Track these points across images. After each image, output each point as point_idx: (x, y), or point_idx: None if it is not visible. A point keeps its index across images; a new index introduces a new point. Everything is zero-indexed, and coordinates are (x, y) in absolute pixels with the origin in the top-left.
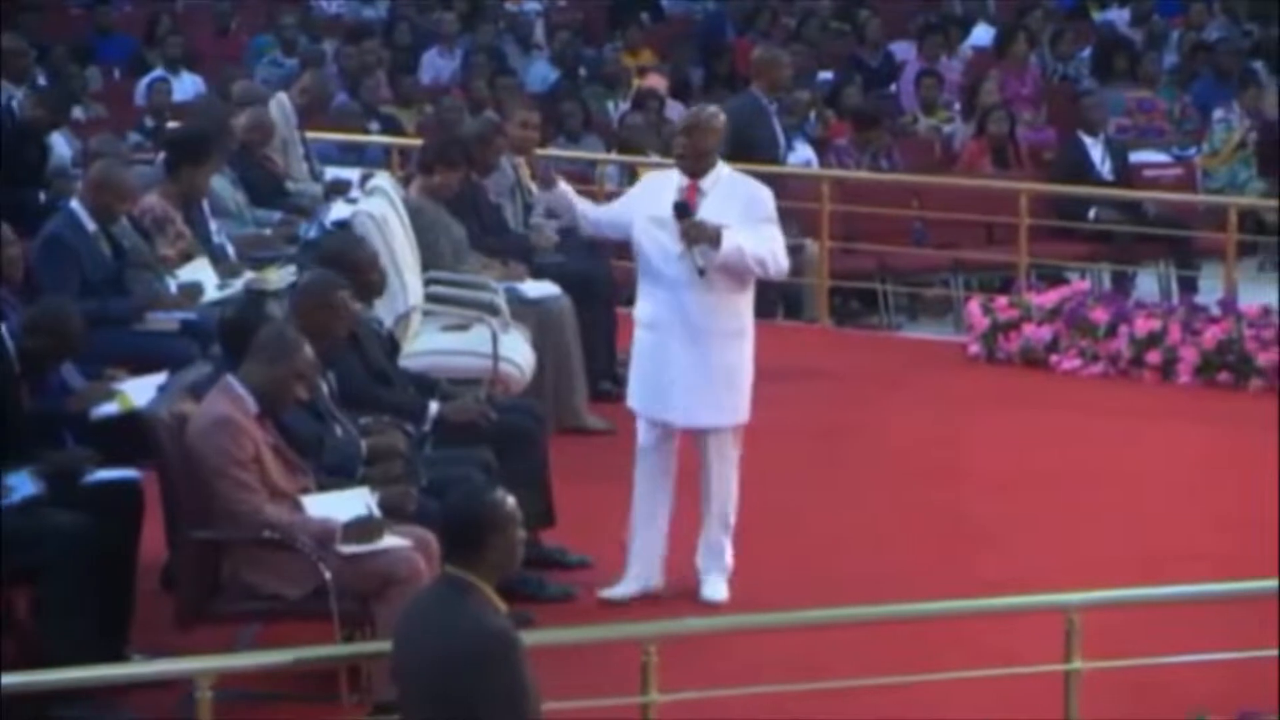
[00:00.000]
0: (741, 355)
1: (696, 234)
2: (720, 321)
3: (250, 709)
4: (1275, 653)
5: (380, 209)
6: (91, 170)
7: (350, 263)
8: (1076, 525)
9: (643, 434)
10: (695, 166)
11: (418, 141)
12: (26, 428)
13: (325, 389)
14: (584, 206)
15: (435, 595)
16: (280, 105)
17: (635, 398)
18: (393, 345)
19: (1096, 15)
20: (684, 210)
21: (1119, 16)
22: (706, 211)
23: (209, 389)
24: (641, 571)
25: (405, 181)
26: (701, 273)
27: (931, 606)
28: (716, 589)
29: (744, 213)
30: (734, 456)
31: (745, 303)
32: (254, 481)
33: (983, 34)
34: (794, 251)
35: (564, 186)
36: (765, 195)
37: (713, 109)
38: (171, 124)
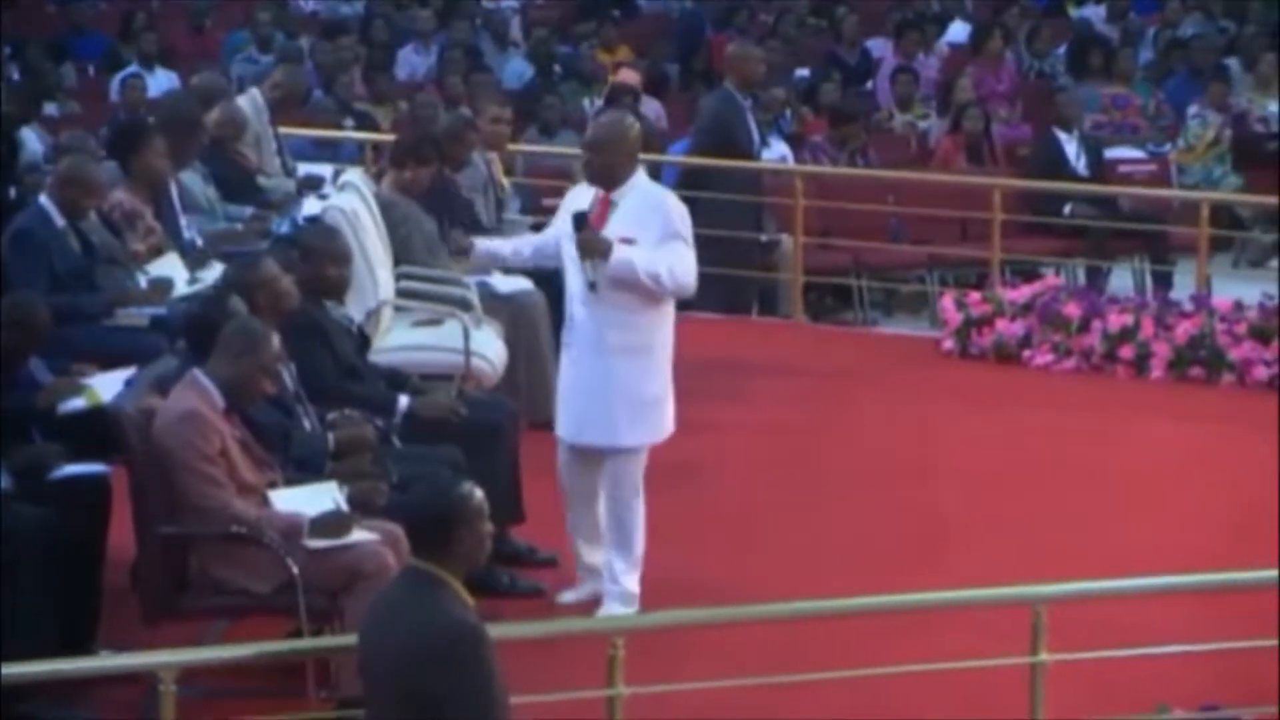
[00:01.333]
0: (644, 374)
1: (588, 247)
2: (620, 338)
3: (216, 705)
4: (1240, 645)
5: (351, 204)
6: (60, 165)
7: (321, 255)
8: (1049, 521)
9: (559, 451)
10: (605, 180)
11: (392, 137)
12: None
13: (288, 382)
14: (510, 249)
15: (403, 589)
16: (253, 100)
17: (557, 421)
18: (363, 340)
19: (1073, 12)
20: (581, 222)
21: (1095, 13)
22: (617, 223)
23: (175, 384)
24: (589, 579)
25: (377, 177)
26: (592, 286)
27: (899, 599)
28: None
29: (653, 227)
30: (637, 480)
31: (651, 319)
32: (221, 476)
33: (959, 31)
34: (770, 247)
35: (481, 247)
36: (674, 210)
37: (625, 122)
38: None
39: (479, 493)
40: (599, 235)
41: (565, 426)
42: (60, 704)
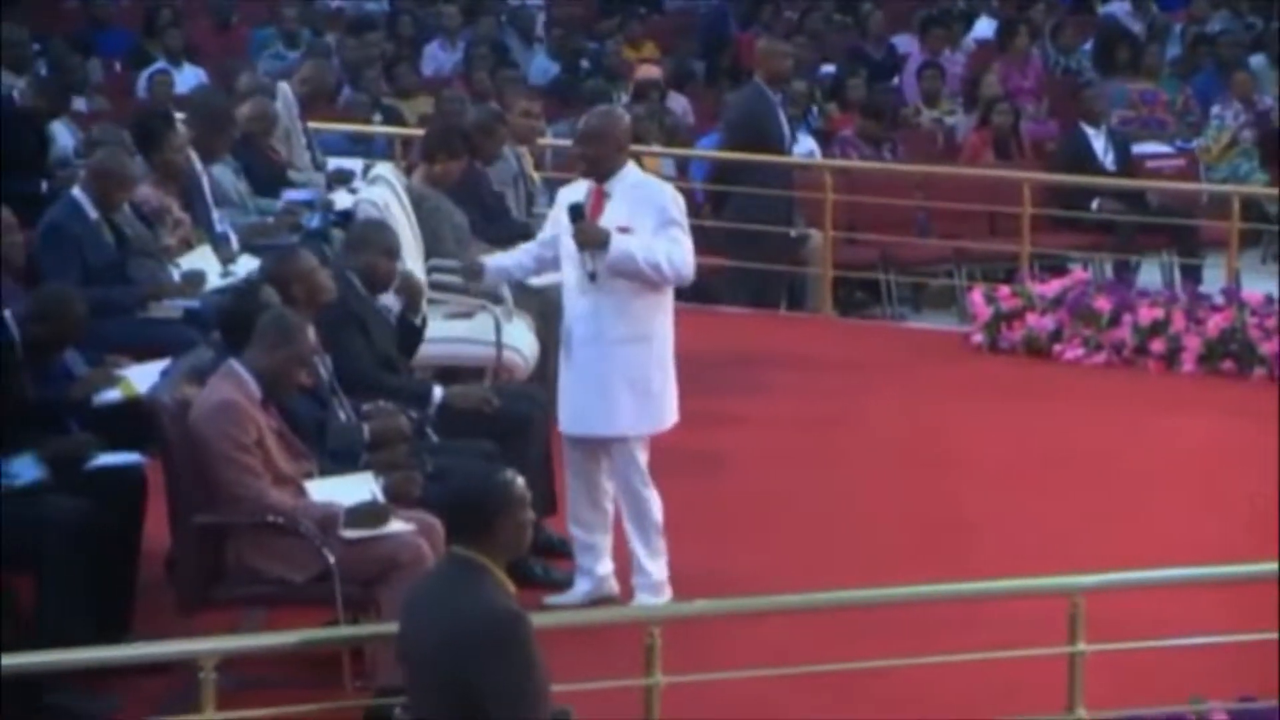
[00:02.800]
0: (645, 363)
1: (585, 237)
2: (619, 327)
3: (252, 694)
4: (1276, 637)
5: (382, 197)
6: (92, 159)
7: (373, 246)
8: (1079, 516)
9: (564, 445)
10: (597, 171)
11: (421, 132)
12: (30, 414)
13: (324, 373)
14: (514, 261)
15: (445, 576)
16: (283, 95)
17: (559, 415)
18: (412, 330)
19: (1099, 8)
20: (577, 213)
21: (1121, 9)
22: (612, 214)
23: (211, 374)
24: (586, 581)
25: (408, 170)
26: (592, 277)
27: (937, 589)
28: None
29: (649, 216)
30: (642, 469)
31: (649, 308)
32: (257, 466)
33: (985, 27)
34: (799, 242)
35: (491, 266)
36: (669, 199)
37: (612, 114)
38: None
39: (521, 480)
40: (596, 225)
41: (567, 420)
42: (88, 693)
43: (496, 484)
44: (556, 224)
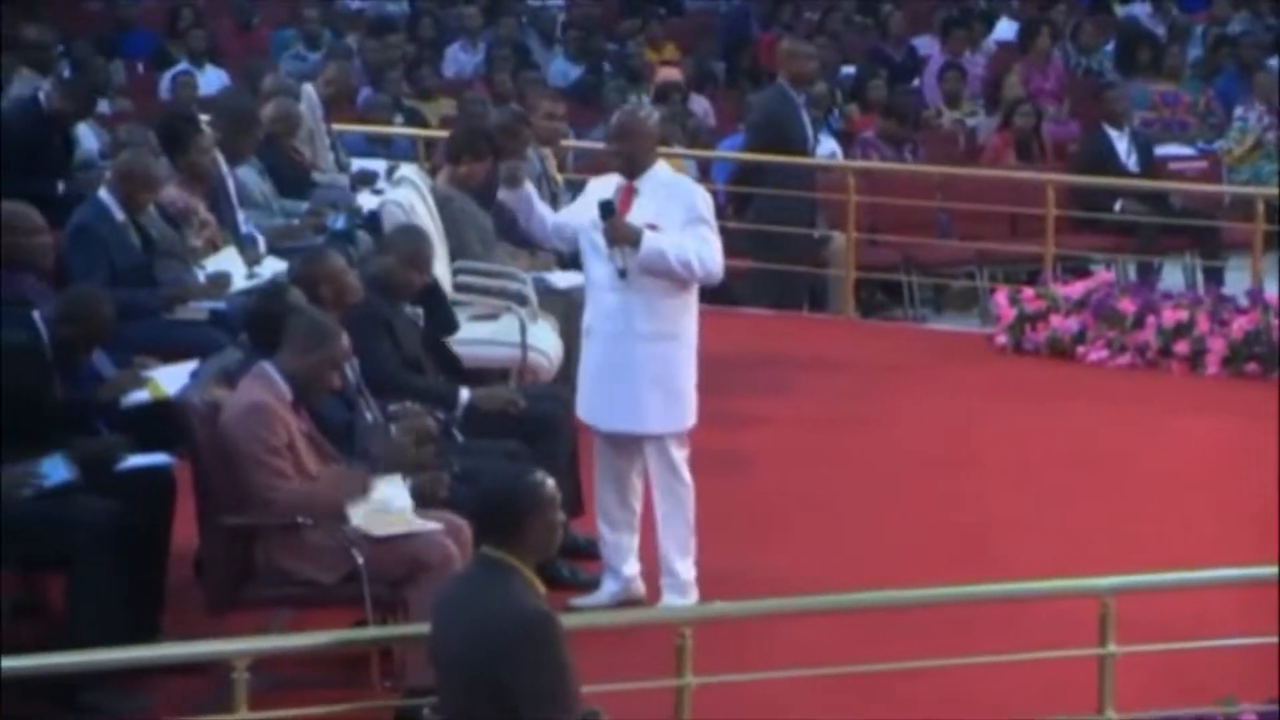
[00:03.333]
0: (674, 361)
1: (616, 234)
2: (649, 325)
3: (283, 695)
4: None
5: (408, 198)
6: (118, 160)
7: (404, 256)
8: (1104, 516)
9: (595, 443)
10: (630, 168)
11: (444, 133)
12: (59, 415)
13: (351, 374)
14: (543, 211)
15: (475, 577)
16: (306, 97)
17: (579, 405)
18: (446, 324)
19: (1119, 9)
20: (608, 209)
21: (1142, 10)
22: (641, 211)
23: (241, 375)
24: (613, 582)
25: (433, 172)
26: (622, 273)
27: (966, 590)
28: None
29: (677, 213)
30: (678, 465)
31: (678, 307)
32: (287, 468)
33: (1006, 28)
34: (821, 244)
35: (529, 189)
36: (699, 197)
37: (644, 110)
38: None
39: (551, 481)
40: (628, 222)
41: (593, 413)
42: (120, 694)
43: (527, 485)
44: (575, 215)
